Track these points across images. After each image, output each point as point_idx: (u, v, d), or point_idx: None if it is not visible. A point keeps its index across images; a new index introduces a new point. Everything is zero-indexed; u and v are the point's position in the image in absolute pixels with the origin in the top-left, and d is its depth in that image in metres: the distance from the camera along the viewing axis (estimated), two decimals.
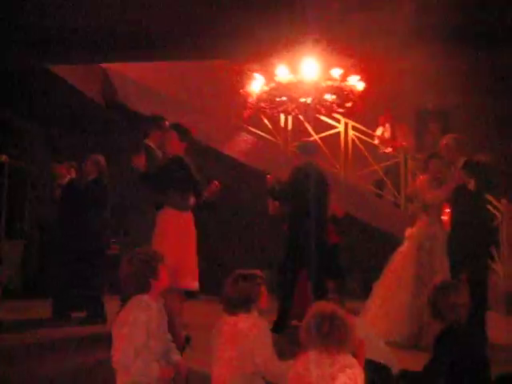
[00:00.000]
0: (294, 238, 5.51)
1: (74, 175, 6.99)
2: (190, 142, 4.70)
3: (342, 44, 6.50)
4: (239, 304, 3.05)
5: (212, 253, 9.13)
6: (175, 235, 4.46)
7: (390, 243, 6.35)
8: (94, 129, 9.83)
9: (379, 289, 5.57)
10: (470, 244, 5.05)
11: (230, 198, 9.40)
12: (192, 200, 4.69)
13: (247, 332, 2.97)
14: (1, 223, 7.21)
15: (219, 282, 3.26)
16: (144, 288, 3.01)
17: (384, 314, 5.33)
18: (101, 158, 6.62)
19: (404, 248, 5.63)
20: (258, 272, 3.17)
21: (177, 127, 4.73)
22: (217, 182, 4.88)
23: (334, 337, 2.40)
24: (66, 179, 6.90)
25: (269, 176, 5.72)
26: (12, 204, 9.44)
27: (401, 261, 5.53)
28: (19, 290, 8.74)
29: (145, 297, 3.01)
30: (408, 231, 5.70)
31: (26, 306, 7.49)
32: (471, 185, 5.02)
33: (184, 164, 4.58)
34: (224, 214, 9.37)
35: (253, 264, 3.66)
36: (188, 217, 4.63)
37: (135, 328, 2.90)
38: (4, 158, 9.23)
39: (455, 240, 5.21)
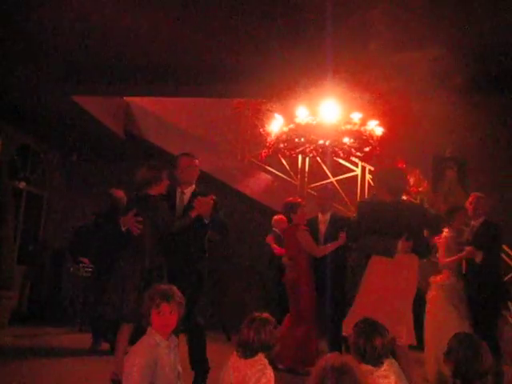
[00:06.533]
0: None
1: None
2: None
3: (362, 86, 6.54)
4: (250, 347, 2.99)
5: (220, 291, 9.07)
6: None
7: None
8: (113, 159, 9.95)
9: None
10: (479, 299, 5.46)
11: (242, 235, 9.44)
12: None
13: (251, 377, 2.91)
14: (15, 249, 7.21)
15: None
16: (145, 321, 3.01)
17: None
18: (116, 192, 6.48)
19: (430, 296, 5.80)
20: (271, 319, 3.09)
21: None
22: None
23: None
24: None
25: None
26: (26, 229, 9.51)
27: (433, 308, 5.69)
28: (25, 316, 8.73)
29: (154, 335, 2.99)
30: (432, 278, 5.90)
31: (33, 331, 7.45)
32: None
33: None
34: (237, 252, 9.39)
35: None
36: None
37: (140, 369, 2.87)
38: (22, 184, 9.37)
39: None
